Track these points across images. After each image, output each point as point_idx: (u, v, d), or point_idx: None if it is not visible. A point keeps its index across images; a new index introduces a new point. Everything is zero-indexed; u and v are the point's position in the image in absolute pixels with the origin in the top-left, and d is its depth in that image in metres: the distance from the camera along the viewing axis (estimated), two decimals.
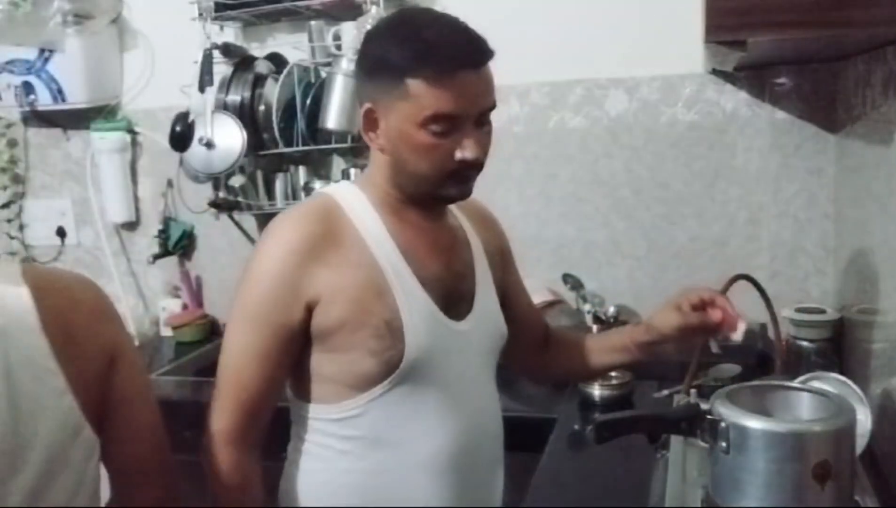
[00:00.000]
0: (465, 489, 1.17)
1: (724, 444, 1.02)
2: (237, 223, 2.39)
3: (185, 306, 2.47)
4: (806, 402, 1.09)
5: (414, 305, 1.11)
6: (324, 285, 1.08)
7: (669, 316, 1.22)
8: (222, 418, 1.10)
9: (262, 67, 2.22)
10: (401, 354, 1.09)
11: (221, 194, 2.25)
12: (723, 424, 1.03)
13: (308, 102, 2.15)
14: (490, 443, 1.23)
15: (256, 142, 2.19)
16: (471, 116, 1.08)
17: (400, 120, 1.08)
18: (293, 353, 1.11)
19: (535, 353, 1.39)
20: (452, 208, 1.25)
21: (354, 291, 1.09)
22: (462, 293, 1.19)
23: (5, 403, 0.80)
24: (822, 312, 1.73)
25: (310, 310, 1.09)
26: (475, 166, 1.11)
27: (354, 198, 1.16)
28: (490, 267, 1.27)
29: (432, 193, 1.14)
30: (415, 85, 1.05)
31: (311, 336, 1.10)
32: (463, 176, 1.12)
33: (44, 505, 0.84)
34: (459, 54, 1.06)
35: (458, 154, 1.09)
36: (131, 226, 2.52)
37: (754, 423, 1.01)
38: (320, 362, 1.12)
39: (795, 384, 1.16)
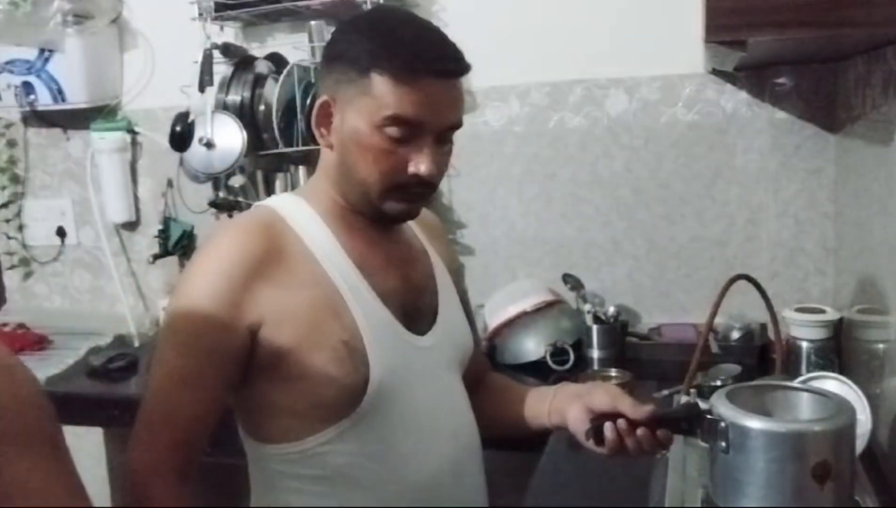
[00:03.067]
0: None
1: (723, 444, 1.02)
2: None
3: None
4: (806, 402, 1.09)
5: (375, 323, 1.02)
6: (269, 307, 0.98)
7: (574, 415, 1.12)
8: (152, 450, 0.99)
9: (262, 67, 2.22)
10: (365, 378, 1.00)
11: (221, 194, 2.25)
12: (722, 424, 1.03)
13: (308, 102, 2.14)
14: (469, 459, 1.15)
15: (256, 142, 2.19)
16: (432, 128, 1.00)
17: (357, 117, 1.00)
18: (231, 381, 1.02)
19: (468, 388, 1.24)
20: None
21: (306, 311, 0.99)
22: (422, 307, 1.11)
23: None
24: (822, 312, 1.73)
25: (253, 334, 0.99)
26: (427, 186, 1.03)
27: (299, 210, 1.06)
28: (451, 278, 1.20)
29: (374, 206, 1.04)
30: (379, 81, 0.97)
31: (257, 364, 1.01)
32: (412, 194, 1.03)
33: None
34: (432, 58, 0.99)
35: (412, 167, 1.00)
36: (131, 226, 2.51)
37: (754, 423, 1.01)
38: (274, 392, 1.02)
39: (795, 384, 1.16)
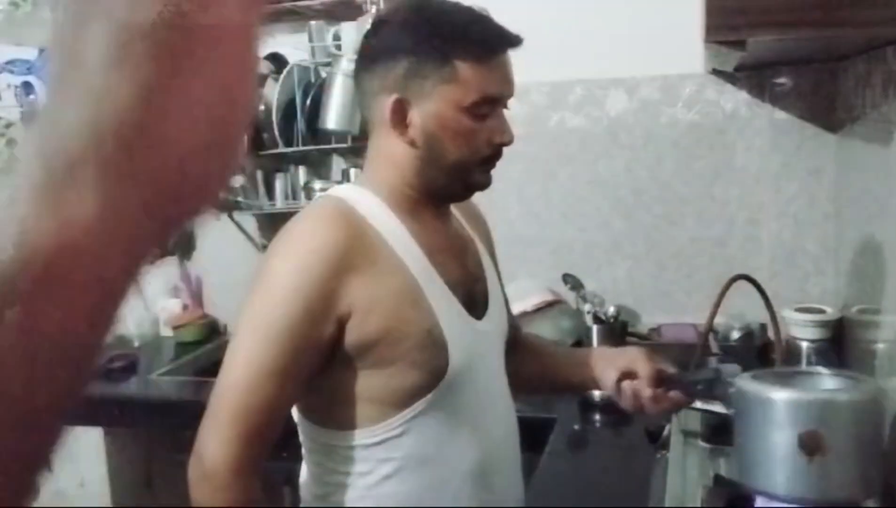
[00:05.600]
0: (503, 490, 1.14)
1: (732, 410, 1.05)
2: (237, 223, 2.39)
3: (185, 307, 2.47)
4: (832, 383, 1.06)
5: (448, 310, 1.06)
6: (357, 297, 0.99)
7: (607, 379, 1.19)
8: (228, 447, 0.96)
9: (262, 67, 2.22)
10: (445, 362, 1.03)
11: (221, 194, 2.25)
12: (731, 389, 1.05)
13: (308, 102, 2.15)
14: (515, 439, 1.21)
15: (256, 142, 2.19)
16: (505, 98, 1.08)
17: (440, 105, 1.03)
18: (313, 373, 1.01)
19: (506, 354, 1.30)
20: (452, 208, 1.19)
21: (391, 300, 1.01)
22: (477, 294, 1.15)
23: None
24: (822, 312, 1.73)
25: (341, 325, 0.99)
26: (501, 153, 1.10)
27: (369, 201, 1.06)
28: (492, 262, 1.24)
29: (464, 182, 1.08)
30: (462, 67, 1.02)
31: (341, 354, 1.01)
32: (492, 163, 1.09)
33: None
34: (496, 35, 1.06)
35: (498, 138, 1.07)
36: None
37: (751, 386, 1.02)
38: (359, 380, 1.03)
39: (824, 370, 1.12)
